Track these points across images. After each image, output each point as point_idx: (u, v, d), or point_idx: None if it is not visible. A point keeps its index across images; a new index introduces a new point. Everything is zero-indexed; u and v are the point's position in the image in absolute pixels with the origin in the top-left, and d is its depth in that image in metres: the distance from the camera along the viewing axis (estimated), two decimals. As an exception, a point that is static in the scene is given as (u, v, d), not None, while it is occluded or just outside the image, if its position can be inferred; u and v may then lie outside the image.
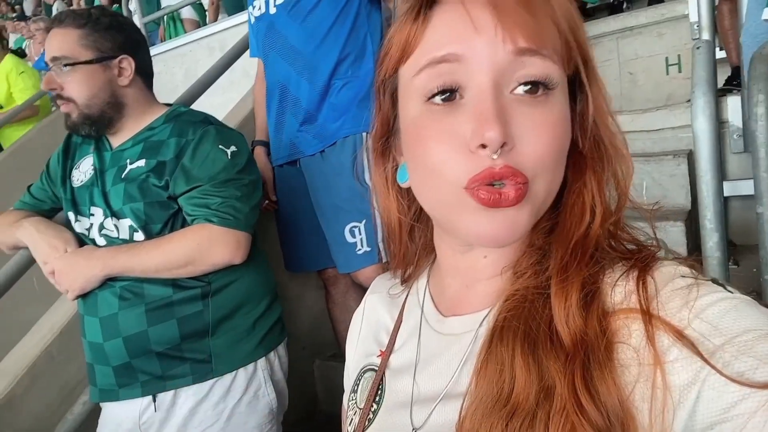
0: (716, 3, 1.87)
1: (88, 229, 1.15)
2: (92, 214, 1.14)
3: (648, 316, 0.37)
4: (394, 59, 0.45)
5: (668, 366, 0.35)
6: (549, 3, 0.40)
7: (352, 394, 0.55)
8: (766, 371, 0.32)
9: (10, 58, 3.60)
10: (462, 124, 0.39)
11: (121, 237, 1.12)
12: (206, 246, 1.08)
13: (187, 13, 4.84)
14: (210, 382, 1.10)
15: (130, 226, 1.11)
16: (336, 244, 1.43)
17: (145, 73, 1.20)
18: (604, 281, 0.40)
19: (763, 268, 1.10)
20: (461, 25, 0.40)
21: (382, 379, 0.52)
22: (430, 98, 0.41)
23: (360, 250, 1.39)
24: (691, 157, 1.92)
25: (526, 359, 0.38)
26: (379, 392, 0.51)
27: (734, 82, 2.21)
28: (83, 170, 1.19)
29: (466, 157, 0.39)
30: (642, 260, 0.40)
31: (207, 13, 4.88)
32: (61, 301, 1.41)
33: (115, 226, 1.12)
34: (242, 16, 3.54)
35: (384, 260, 1.40)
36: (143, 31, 3.82)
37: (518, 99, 0.40)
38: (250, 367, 1.14)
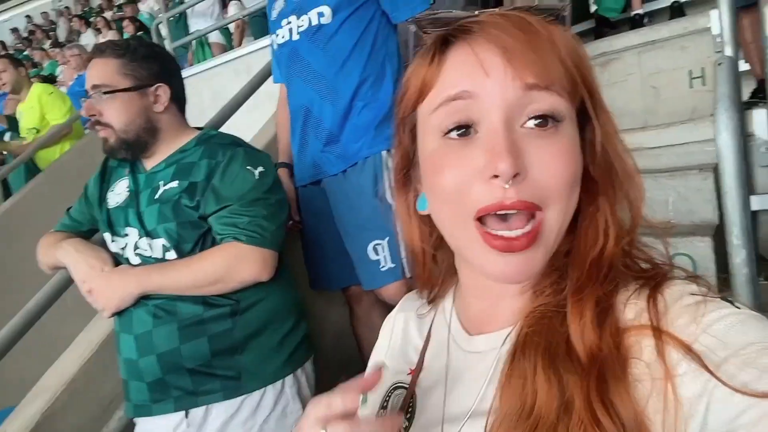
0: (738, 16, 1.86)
1: (123, 249, 1.20)
2: (127, 234, 1.19)
3: (658, 332, 0.38)
4: (412, 99, 0.48)
5: (678, 379, 0.36)
6: (554, 43, 0.43)
7: (381, 411, 0.56)
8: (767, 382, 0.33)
9: (37, 85, 3.75)
10: (476, 158, 0.42)
11: (154, 256, 1.16)
12: (234, 263, 1.11)
13: (215, 37, 5.00)
14: (240, 398, 1.13)
15: (163, 246, 1.15)
16: (360, 262, 1.45)
17: (178, 99, 1.25)
18: (617, 299, 0.42)
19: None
20: (472, 67, 0.43)
21: (412, 397, 0.53)
22: (446, 133, 0.44)
23: (384, 266, 1.40)
24: (717, 171, 1.89)
25: (548, 373, 0.40)
26: (410, 410, 0.53)
27: (760, 95, 2.18)
28: (118, 192, 1.24)
29: (479, 185, 0.42)
30: (653, 279, 0.42)
31: (233, 37, 5.04)
32: (98, 319, 1.46)
33: (149, 245, 1.16)
34: (266, 40, 3.64)
35: (408, 275, 1.41)
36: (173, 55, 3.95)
37: (529, 132, 0.42)
38: (278, 384, 1.17)
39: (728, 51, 1.76)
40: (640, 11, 3.43)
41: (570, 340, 0.41)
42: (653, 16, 3.55)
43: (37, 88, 3.65)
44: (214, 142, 1.22)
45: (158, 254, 1.15)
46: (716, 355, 0.35)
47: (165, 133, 1.22)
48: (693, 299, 0.39)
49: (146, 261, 1.17)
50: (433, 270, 0.57)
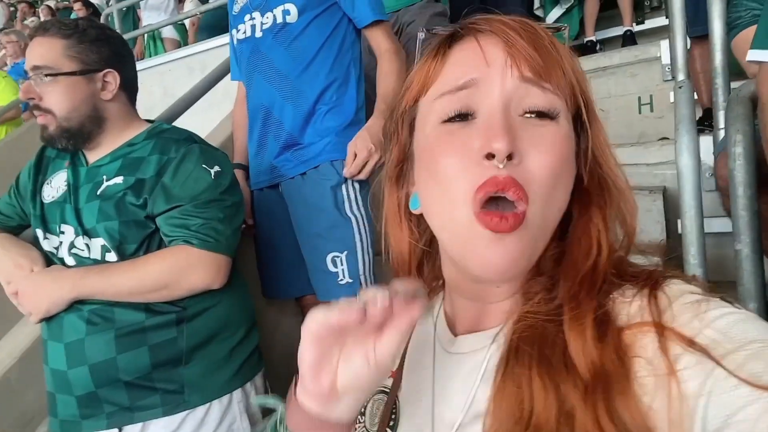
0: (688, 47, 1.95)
1: (57, 248, 1.09)
2: (62, 232, 1.09)
3: (660, 328, 0.39)
4: (414, 91, 0.49)
5: (681, 374, 0.36)
6: (555, 48, 0.45)
7: (360, 417, 0.54)
8: None
9: None
10: (472, 139, 0.43)
11: (92, 257, 1.06)
12: (184, 269, 1.03)
13: (168, 32, 4.82)
14: (182, 414, 1.04)
15: (103, 246, 1.05)
16: (317, 272, 1.39)
17: (129, 88, 1.16)
18: (616, 301, 0.42)
19: (741, 304, 1.12)
20: (476, 58, 0.45)
21: (395, 403, 0.52)
22: (446, 120, 0.45)
23: (342, 280, 1.35)
24: (666, 194, 1.96)
25: (544, 381, 0.39)
26: (393, 417, 0.51)
27: (705, 123, 2.30)
28: (55, 186, 1.14)
29: (474, 168, 0.42)
30: (651, 279, 0.43)
31: (188, 33, 4.87)
32: (23, 324, 1.32)
33: (87, 245, 1.06)
34: (223, 39, 3.53)
35: None
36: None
37: (525, 120, 0.44)
38: (225, 398, 1.09)
39: (681, 77, 1.84)
40: (593, 38, 3.57)
41: (567, 351, 0.40)
42: (605, 44, 3.71)
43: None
44: (167, 136, 1.14)
45: (96, 255, 1.06)
46: (722, 347, 0.36)
47: (112, 123, 1.12)
48: (694, 297, 0.40)
49: (82, 262, 1.07)
50: (418, 277, 0.55)
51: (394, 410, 0.51)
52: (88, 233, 1.06)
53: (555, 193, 0.43)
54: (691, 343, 0.37)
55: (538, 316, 0.43)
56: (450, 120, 0.45)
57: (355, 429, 0.54)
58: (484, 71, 0.44)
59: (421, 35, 0.53)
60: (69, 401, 1.03)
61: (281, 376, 1.78)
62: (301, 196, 1.41)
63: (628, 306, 0.42)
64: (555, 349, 0.41)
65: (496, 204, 0.42)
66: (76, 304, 1.04)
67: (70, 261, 1.08)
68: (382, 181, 0.56)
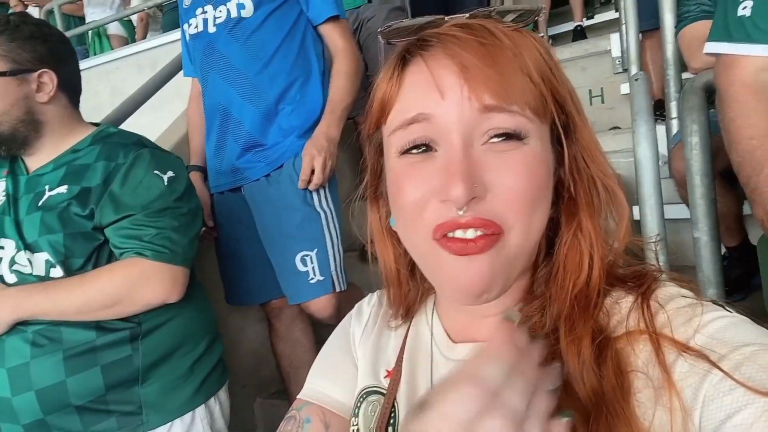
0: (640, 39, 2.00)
1: None
2: (2, 247, 1.00)
3: (654, 335, 0.38)
4: (375, 117, 0.47)
5: (678, 384, 0.36)
6: (520, 55, 0.41)
7: (353, 419, 0.53)
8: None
9: None
10: (433, 177, 0.41)
11: (35, 273, 0.98)
12: (137, 283, 0.97)
13: (114, 29, 4.61)
14: (141, 437, 0.98)
15: (47, 261, 0.98)
16: (286, 274, 1.35)
17: (70, 89, 1.08)
18: (609, 310, 0.42)
19: (701, 290, 1.15)
20: (428, 87, 0.41)
21: (393, 406, 0.50)
22: (405, 152, 0.43)
23: (312, 279, 1.32)
24: (619, 181, 2.02)
25: None
26: (393, 417, 0.50)
27: (656, 113, 2.37)
28: None
29: (435, 206, 0.41)
30: (643, 282, 0.42)
31: (136, 29, 4.67)
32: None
33: (29, 260, 0.98)
34: (175, 34, 3.40)
35: (339, 289, 1.33)
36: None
37: (490, 147, 0.40)
38: (188, 417, 1.03)
39: (634, 69, 1.88)
40: (544, 35, 3.64)
41: (566, 374, 0.39)
42: (556, 39, 3.78)
43: None
44: (114, 141, 1.06)
45: (40, 271, 0.98)
46: (715, 352, 0.35)
47: (51, 127, 1.04)
48: (685, 301, 0.40)
49: (25, 279, 0.99)
50: (410, 287, 0.54)
51: (393, 411, 0.50)
52: (30, 248, 0.98)
53: (533, 215, 0.41)
54: (685, 348, 0.36)
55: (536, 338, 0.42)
56: (408, 151, 0.42)
57: (350, 430, 0.53)
58: (437, 104, 0.41)
59: (381, 39, 0.49)
60: (15, 430, 0.95)
61: (246, 384, 1.73)
62: (267, 198, 1.37)
63: (621, 313, 0.41)
64: None
65: (465, 232, 0.40)
66: (18, 326, 0.96)
67: (10, 278, 1.00)
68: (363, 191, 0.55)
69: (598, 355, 0.39)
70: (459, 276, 0.41)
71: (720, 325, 0.37)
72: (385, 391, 0.51)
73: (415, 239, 0.44)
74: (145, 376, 1.00)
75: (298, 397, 0.57)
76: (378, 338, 0.56)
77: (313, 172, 1.29)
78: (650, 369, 0.37)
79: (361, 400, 0.53)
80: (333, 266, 1.33)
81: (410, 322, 0.55)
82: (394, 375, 0.51)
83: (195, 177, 1.49)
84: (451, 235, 0.40)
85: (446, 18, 0.45)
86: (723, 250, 1.45)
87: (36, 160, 1.06)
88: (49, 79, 1.03)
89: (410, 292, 0.54)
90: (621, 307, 0.42)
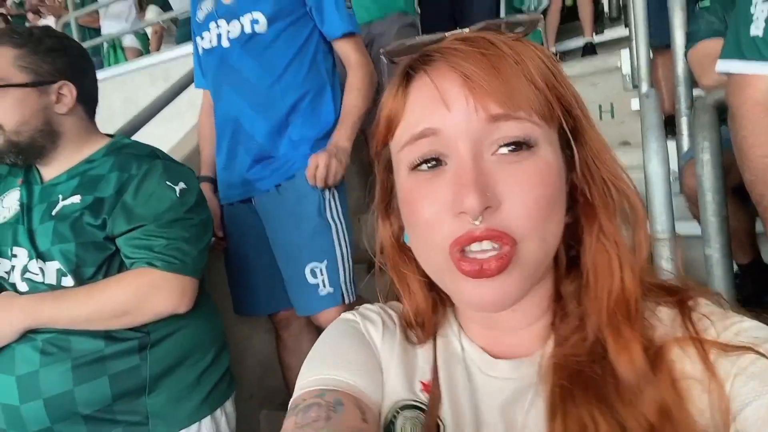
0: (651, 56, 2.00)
1: (9, 272, 1.02)
2: (15, 255, 1.01)
3: (699, 341, 0.39)
4: (382, 134, 0.47)
5: (724, 379, 0.38)
6: (523, 62, 0.41)
7: None
8: None
9: None
10: (445, 192, 0.40)
11: (47, 282, 0.99)
12: (147, 293, 0.97)
13: (129, 41, 4.69)
14: (147, 447, 0.98)
15: (58, 270, 0.98)
16: (296, 285, 1.35)
17: (87, 101, 1.10)
18: (652, 320, 0.42)
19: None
20: (433, 101, 0.41)
21: (438, 423, 0.46)
22: (414, 168, 0.43)
23: (322, 291, 1.32)
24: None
25: (608, 421, 0.38)
26: None
27: (666, 128, 2.36)
28: (7, 206, 1.06)
29: (451, 219, 0.40)
30: (682, 298, 0.43)
31: (150, 42, 4.75)
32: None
33: (41, 269, 0.99)
34: (188, 47, 3.45)
35: (348, 301, 1.33)
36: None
37: (500, 158, 0.40)
38: (194, 428, 1.03)
39: (644, 86, 1.88)
40: (554, 50, 3.65)
41: (620, 387, 0.39)
42: (567, 55, 3.79)
43: None
44: (128, 152, 1.08)
45: (52, 280, 0.99)
46: (759, 347, 0.37)
47: (67, 138, 1.06)
48: (720, 311, 0.41)
49: (36, 288, 0.99)
50: (428, 301, 0.51)
51: (438, 430, 0.46)
52: (42, 256, 0.99)
53: (548, 225, 0.41)
54: (726, 347, 0.38)
55: (579, 358, 0.41)
56: (418, 167, 0.42)
57: None
58: (444, 117, 0.41)
59: (384, 58, 0.49)
60: (21, 439, 0.95)
61: (253, 394, 1.72)
62: (278, 208, 1.38)
63: (663, 323, 0.42)
64: (608, 387, 0.39)
65: (480, 245, 0.40)
66: (28, 334, 0.96)
67: (22, 287, 1.01)
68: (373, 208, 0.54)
69: (650, 363, 0.39)
70: (475, 298, 0.41)
71: (757, 331, 0.39)
72: (423, 406, 0.47)
73: (431, 256, 0.44)
74: (153, 387, 1.00)
75: (306, 389, 0.47)
76: (403, 350, 0.51)
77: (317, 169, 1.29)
78: (702, 376, 0.38)
79: (396, 413, 0.48)
80: (343, 278, 1.33)
81: (434, 336, 0.52)
82: (434, 390, 0.48)
83: (205, 188, 1.50)
84: (467, 249, 0.40)
85: (446, 34, 0.45)
86: (735, 267, 1.43)
87: (51, 170, 1.07)
88: (69, 91, 1.05)
89: (428, 305, 0.52)
90: (661, 318, 0.42)
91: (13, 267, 1.01)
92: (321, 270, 1.31)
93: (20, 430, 0.95)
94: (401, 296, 0.52)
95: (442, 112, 0.41)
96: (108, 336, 0.98)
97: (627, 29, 3.08)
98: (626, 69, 2.94)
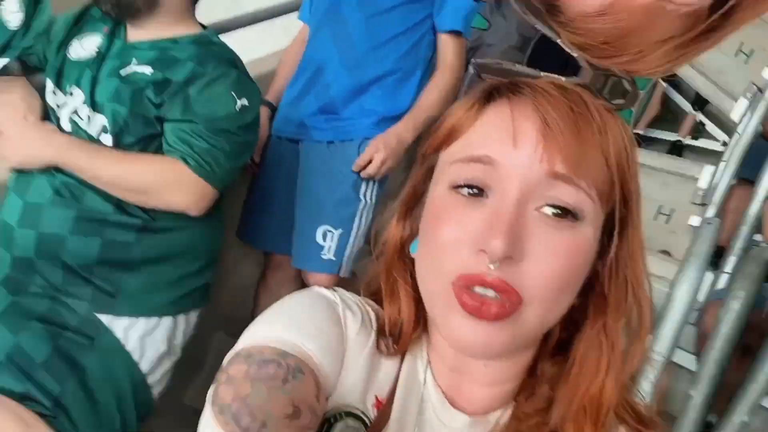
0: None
1: (60, 107, 1.05)
2: (71, 94, 1.05)
3: None
4: (438, 140, 0.45)
5: None
6: (605, 134, 0.39)
7: None
8: None
9: None
10: (476, 223, 0.39)
11: (88, 131, 1.03)
12: (170, 184, 1.00)
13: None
14: (105, 317, 1.01)
15: (103, 126, 1.02)
16: (303, 238, 1.37)
17: None
18: None
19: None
20: (504, 132, 0.40)
21: None
22: (456, 187, 0.41)
23: (325, 255, 1.34)
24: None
25: None
26: None
27: (712, 258, 2.29)
28: (85, 47, 1.09)
29: (468, 253, 0.39)
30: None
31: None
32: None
33: (88, 116, 1.03)
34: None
35: (343, 275, 1.35)
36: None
37: (542, 217, 0.39)
38: (153, 320, 1.05)
39: (710, 212, 1.83)
40: (640, 131, 3.54)
41: None
42: (652, 142, 3.68)
43: None
44: (212, 49, 1.09)
45: (93, 131, 1.02)
46: None
47: (165, 11, 1.07)
48: None
49: (76, 132, 1.03)
50: (408, 313, 0.48)
51: None
52: (94, 106, 1.02)
53: (558, 299, 0.40)
54: None
55: None
56: (460, 188, 0.40)
57: None
58: (507, 152, 0.39)
59: (471, 70, 0.48)
60: (3, 257, 1.00)
61: (217, 316, 1.75)
62: (321, 163, 1.39)
63: None
64: None
65: (485, 290, 0.38)
66: (52, 170, 1.00)
67: (66, 125, 1.04)
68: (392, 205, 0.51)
69: None
70: (462, 336, 0.39)
71: None
72: (367, 422, 0.45)
73: (433, 279, 0.42)
74: (135, 268, 1.03)
75: (265, 343, 0.42)
76: (371, 355, 0.47)
77: (370, 162, 1.31)
78: None
79: (340, 416, 0.44)
80: (348, 252, 1.35)
81: (403, 356, 0.49)
82: (384, 410, 0.46)
83: (263, 111, 1.51)
84: (471, 287, 0.38)
85: (543, 74, 0.43)
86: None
87: (137, 33, 1.09)
88: None
89: (410, 320, 0.48)
90: None
91: (65, 103, 1.05)
92: (333, 236, 1.33)
93: (6, 249, 1.00)
94: (383, 299, 0.49)
95: (508, 147, 0.39)
96: (118, 205, 1.01)
97: (723, 147, 2.97)
98: (703, 184, 2.85)
